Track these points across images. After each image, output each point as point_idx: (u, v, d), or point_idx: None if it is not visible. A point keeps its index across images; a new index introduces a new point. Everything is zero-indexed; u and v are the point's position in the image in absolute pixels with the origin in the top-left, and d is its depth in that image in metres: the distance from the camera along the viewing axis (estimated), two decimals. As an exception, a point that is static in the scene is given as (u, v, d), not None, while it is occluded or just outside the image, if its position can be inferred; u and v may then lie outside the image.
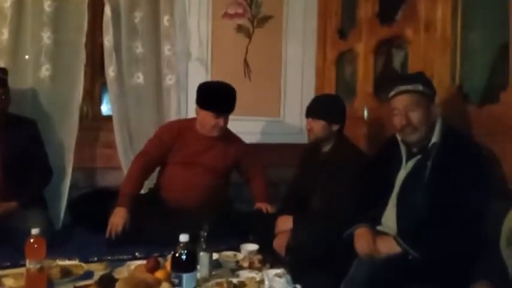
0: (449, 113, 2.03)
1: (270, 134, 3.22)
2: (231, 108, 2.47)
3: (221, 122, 2.43)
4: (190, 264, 1.46)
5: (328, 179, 2.16)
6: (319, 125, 2.24)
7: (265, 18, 3.20)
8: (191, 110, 3.03)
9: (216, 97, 2.43)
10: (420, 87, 1.77)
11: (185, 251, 1.46)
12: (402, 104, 1.78)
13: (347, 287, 1.70)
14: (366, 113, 2.74)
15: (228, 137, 2.56)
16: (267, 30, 3.22)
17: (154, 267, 1.73)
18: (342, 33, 3.10)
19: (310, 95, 3.26)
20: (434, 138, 1.74)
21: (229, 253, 2.04)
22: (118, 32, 2.84)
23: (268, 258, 1.98)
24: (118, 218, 2.24)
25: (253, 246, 2.07)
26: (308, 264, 1.88)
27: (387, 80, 2.63)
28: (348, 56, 3.08)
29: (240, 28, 3.17)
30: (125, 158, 2.85)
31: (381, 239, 1.76)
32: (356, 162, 2.14)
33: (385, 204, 1.85)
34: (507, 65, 1.84)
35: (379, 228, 1.85)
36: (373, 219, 1.86)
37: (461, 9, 2.07)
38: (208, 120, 2.43)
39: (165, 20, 2.93)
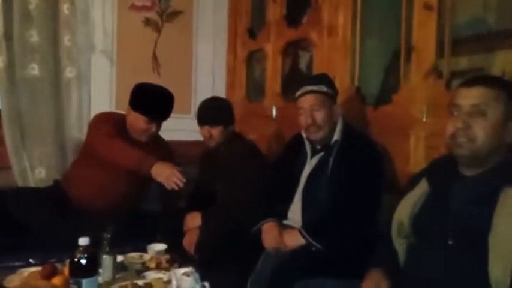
0: (349, 113, 2.16)
1: (181, 131, 3.15)
2: (166, 115, 2.34)
3: (153, 127, 2.29)
4: (90, 269, 1.38)
5: (227, 176, 2.19)
6: (218, 131, 2.23)
7: (174, 13, 3.14)
8: (94, 105, 2.87)
9: (152, 101, 2.28)
10: (324, 88, 1.87)
11: (85, 255, 1.37)
12: (308, 104, 1.86)
13: (254, 281, 1.74)
14: (274, 111, 2.82)
15: (156, 142, 2.41)
16: (177, 25, 3.16)
17: (51, 274, 1.60)
18: (252, 33, 3.16)
19: (221, 93, 3.28)
20: (336, 136, 1.86)
21: (135, 254, 1.97)
22: (9, 19, 2.59)
23: (177, 257, 1.95)
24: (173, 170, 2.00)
25: (160, 246, 2.02)
26: (217, 261, 1.90)
27: (294, 80, 2.73)
28: (258, 55, 3.14)
29: (148, 21, 3.07)
30: (16, 157, 2.61)
31: (287, 232, 1.82)
32: (251, 156, 2.20)
33: (291, 199, 1.93)
34: (399, 69, 2.02)
35: (285, 222, 1.92)
36: (280, 214, 1.93)
37: (360, 17, 2.21)
38: (139, 124, 2.27)
39: (65, 7, 2.73)
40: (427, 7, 1.80)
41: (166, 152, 2.46)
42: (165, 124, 3.03)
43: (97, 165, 2.23)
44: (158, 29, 3.11)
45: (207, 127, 2.24)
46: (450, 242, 1.23)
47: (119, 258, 1.82)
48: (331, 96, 1.89)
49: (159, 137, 2.47)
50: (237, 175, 2.13)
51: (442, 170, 1.35)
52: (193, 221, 2.18)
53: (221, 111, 2.27)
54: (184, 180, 1.98)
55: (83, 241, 1.40)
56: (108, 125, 2.25)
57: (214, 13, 3.28)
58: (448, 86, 1.75)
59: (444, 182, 1.32)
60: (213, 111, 2.25)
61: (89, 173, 2.27)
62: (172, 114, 3.13)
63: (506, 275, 1.11)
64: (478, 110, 1.22)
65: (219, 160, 2.29)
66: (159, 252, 1.97)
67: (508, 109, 1.21)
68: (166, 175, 2.00)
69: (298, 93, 1.91)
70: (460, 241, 1.22)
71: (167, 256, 1.92)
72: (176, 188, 1.98)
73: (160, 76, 3.11)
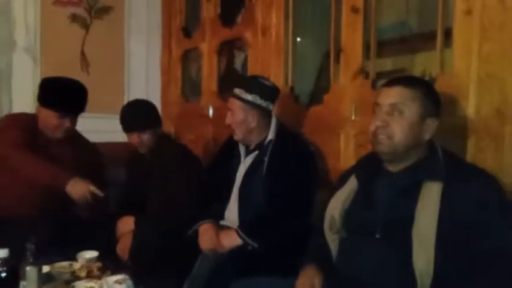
0: (283, 112, 2.20)
1: (113, 132, 3.03)
2: (80, 108, 2.20)
3: (66, 123, 2.15)
4: (11, 282, 1.29)
5: (157, 179, 2.15)
6: (145, 137, 2.17)
7: (104, 9, 3.01)
8: (17, 106, 2.69)
9: (61, 95, 2.13)
10: (248, 97, 1.85)
11: (4, 268, 1.28)
12: (229, 105, 1.89)
13: (190, 283, 1.72)
14: (211, 111, 2.80)
15: (81, 144, 2.29)
16: (107, 22, 3.03)
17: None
18: (187, 32, 3.11)
19: (156, 92, 3.21)
20: (270, 136, 1.87)
21: (64, 264, 1.86)
22: None
23: (109, 264, 1.87)
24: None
25: (91, 254, 1.92)
26: (152, 266, 1.85)
27: (230, 79, 2.73)
28: (193, 54, 3.11)
29: (74, 17, 2.92)
30: None
31: (223, 233, 1.81)
32: (181, 158, 2.17)
33: (227, 199, 1.93)
34: (329, 71, 2.09)
35: (222, 222, 1.91)
36: (217, 215, 1.92)
37: (292, 17, 2.25)
38: (51, 121, 2.12)
39: (-18, 1, 2.53)
40: (354, 10, 1.87)
41: (92, 154, 2.36)
42: (95, 125, 2.92)
43: (12, 172, 2.06)
44: (86, 26, 2.97)
45: (134, 134, 2.17)
46: (377, 236, 1.29)
47: (46, 268, 1.71)
48: (258, 103, 1.86)
49: (81, 138, 2.36)
50: (168, 178, 2.09)
51: (369, 167, 1.41)
52: (126, 226, 2.11)
53: (144, 117, 2.20)
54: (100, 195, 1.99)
55: (2, 253, 1.30)
56: (17, 131, 2.09)
57: (147, 10, 3.18)
58: (374, 86, 1.83)
59: (370, 178, 1.39)
60: (136, 118, 2.18)
61: (4, 180, 2.09)
62: (103, 115, 3.03)
63: (429, 265, 1.18)
64: (396, 109, 1.29)
65: (148, 164, 2.24)
66: (89, 260, 1.88)
67: (424, 107, 1.29)
68: (79, 194, 1.99)
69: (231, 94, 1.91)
70: (387, 234, 1.28)
71: (98, 264, 1.84)
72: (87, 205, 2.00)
73: (90, 75, 2.97)
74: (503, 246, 1.16)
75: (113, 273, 1.75)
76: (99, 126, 2.96)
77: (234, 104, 1.88)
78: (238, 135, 1.90)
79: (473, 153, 1.44)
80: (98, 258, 1.91)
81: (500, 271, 1.15)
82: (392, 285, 1.25)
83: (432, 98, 1.31)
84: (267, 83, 1.91)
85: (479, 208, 1.18)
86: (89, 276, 1.75)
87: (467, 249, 1.18)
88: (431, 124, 1.30)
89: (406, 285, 1.21)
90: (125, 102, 3.11)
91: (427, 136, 1.30)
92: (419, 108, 1.28)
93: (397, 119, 1.29)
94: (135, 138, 2.18)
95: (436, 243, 1.18)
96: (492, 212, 1.19)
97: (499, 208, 1.20)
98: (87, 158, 2.28)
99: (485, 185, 1.22)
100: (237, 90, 1.88)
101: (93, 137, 2.64)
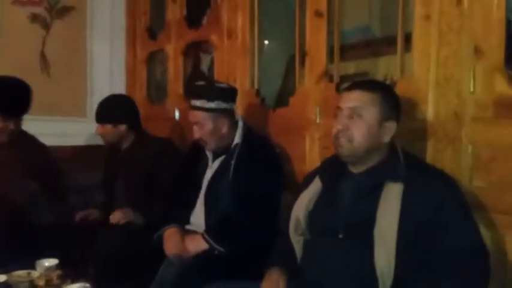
0: (250, 115, 2.20)
1: (75, 135, 2.96)
2: (23, 110, 2.13)
3: (10, 125, 2.07)
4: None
5: (128, 177, 2.12)
6: (106, 129, 2.21)
7: (65, 9, 2.92)
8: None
9: (2, 96, 2.06)
10: (208, 104, 1.80)
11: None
12: (193, 119, 1.84)
13: (155, 289, 1.69)
14: (177, 113, 2.77)
15: (25, 143, 2.21)
16: (69, 22, 2.95)
17: None
18: (152, 33, 3.07)
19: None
20: (237, 140, 1.86)
21: (22, 272, 1.78)
22: None
23: (70, 272, 1.81)
24: None
25: (51, 262, 1.85)
26: (115, 272, 1.81)
27: (196, 82, 2.70)
28: (159, 56, 3.06)
29: (34, 17, 2.82)
30: None
31: (189, 237, 1.79)
32: (158, 152, 2.17)
33: (193, 204, 1.90)
34: (295, 73, 2.10)
35: (188, 227, 1.89)
36: (182, 219, 1.89)
37: (257, 20, 2.26)
38: None
39: None
40: (318, 14, 1.89)
41: (42, 157, 2.29)
42: (56, 128, 2.83)
43: None
44: (47, 26, 2.87)
45: (98, 125, 2.24)
46: (340, 236, 1.31)
47: (2, 277, 1.64)
48: (217, 110, 1.82)
49: (31, 141, 2.29)
50: (141, 177, 2.09)
51: (332, 169, 1.43)
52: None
53: (109, 109, 2.22)
54: None
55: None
56: None
57: (111, 11, 3.11)
58: (338, 89, 1.86)
59: (334, 180, 1.40)
60: (101, 109, 2.24)
61: None
62: (65, 118, 2.95)
63: (390, 266, 1.21)
64: (355, 113, 1.32)
65: (121, 158, 2.24)
66: (49, 268, 1.81)
67: (383, 111, 1.32)
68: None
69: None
70: (349, 235, 1.30)
71: (58, 272, 1.78)
72: None
73: (51, 76, 2.89)
74: (462, 246, 1.19)
75: (74, 281, 1.70)
76: (61, 130, 2.88)
77: (199, 116, 1.81)
78: (210, 146, 1.86)
79: (433, 154, 1.48)
80: (58, 266, 1.84)
81: (459, 270, 1.18)
82: (354, 286, 1.26)
83: (391, 101, 1.34)
84: (222, 85, 1.89)
85: (438, 208, 1.21)
86: (48, 285, 1.69)
87: (427, 249, 1.21)
88: (390, 127, 1.33)
89: (367, 285, 1.23)
90: (88, 104, 3.05)
91: (386, 139, 1.33)
92: (378, 112, 1.31)
93: (356, 122, 1.31)
94: (97, 129, 2.22)
95: (397, 244, 1.20)
96: (450, 212, 1.22)
97: (457, 208, 1.24)
98: (37, 161, 2.21)
99: (444, 186, 1.26)
100: (196, 102, 1.81)
101: (53, 140, 2.56)
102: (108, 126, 2.21)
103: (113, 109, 2.24)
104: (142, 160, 2.16)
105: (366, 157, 1.34)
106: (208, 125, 1.82)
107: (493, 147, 1.34)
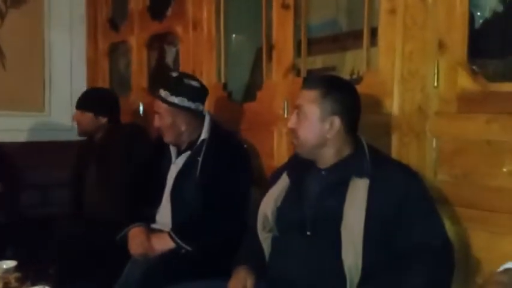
0: (217, 110, 2.16)
1: (33, 130, 2.84)
2: None
3: None
4: None
5: (101, 163, 2.08)
6: (86, 118, 2.21)
7: (21, -2, 2.79)
8: None
9: None
10: (175, 100, 1.76)
11: None
12: (155, 108, 1.80)
13: (120, 288, 1.65)
14: (141, 108, 2.69)
15: None
16: (25, 12, 2.82)
17: None
18: (114, 24, 2.96)
19: (81, 88, 2.99)
20: (203, 135, 1.81)
21: (-23, 277, 1.69)
22: None
23: (30, 274, 1.73)
24: None
25: (9, 263, 1.76)
26: (78, 272, 1.78)
27: (161, 75, 2.63)
28: (122, 48, 2.97)
29: (-13, 7, 2.67)
30: None
31: (155, 236, 1.75)
32: (127, 146, 2.15)
33: (159, 202, 1.85)
34: (262, 67, 2.07)
35: (154, 226, 1.84)
36: (148, 218, 1.84)
37: (223, 12, 2.21)
38: None
39: None
40: (284, 6, 1.87)
41: None
42: (12, 123, 2.70)
43: None
44: (1, 16, 2.74)
45: (78, 111, 2.25)
46: (308, 233, 1.30)
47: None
48: (179, 106, 1.77)
49: None
50: (113, 171, 2.08)
51: (300, 164, 1.42)
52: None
53: (93, 99, 2.25)
54: None
55: None
56: None
57: (70, 1, 2.99)
58: (305, 83, 1.84)
59: (302, 175, 1.39)
60: (86, 97, 2.27)
61: None
62: (22, 113, 2.81)
63: (358, 261, 1.21)
64: (301, 111, 1.33)
65: (94, 151, 2.22)
66: (6, 271, 1.72)
67: (322, 108, 1.31)
68: None
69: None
70: (317, 231, 1.29)
71: (16, 274, 1.69)
72: None
73: (6, 69, 2.76)
74: (426, 240, 1.20)
75: (33, 283, 1.62)
76: (17, 125, 2.76)
77: (161, 107, 1.78)
78: (168, 138, 1.82)
79: (398, 149, 1.49)
80: (17, 268, 1.76)
81: (424, 265, 1.19)
82: (322, 282, 1.26)
83: (333, 97, 1.31)
84: (193, 83, 1.82)
85: (402, 203, 1.22)
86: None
87: (393, 244, 1.22)
88: (334, 123, 1.31)
89: (335, 281, 1.23)
90: (47, 98, 2.92)
91: (331, 135, 1.32)
92: (318, 109, 1.31)
93: (301, 121, 1.33)
94: (76, 115, 2.24)
95: (364, 239, 1.20)
96: (414, 206, 1.23)
97: (421, 202, 1.25)
98: None
99: (408, 180, 1.27)
100: (162, 92, 1.77)
101: (9, 136, 2.46)
102: (89, 115, 2.20)
103: (99, 99, 2.26)
104: (116, 142, 2.17)
105: (319, 154, 1.34)
106: (167, 119, 1.78)
107: (456, 141, 1.36)
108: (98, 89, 2.50)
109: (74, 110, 2.28)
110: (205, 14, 2.25)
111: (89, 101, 2.24)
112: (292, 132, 1.36)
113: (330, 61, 2.12)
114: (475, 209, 1.30)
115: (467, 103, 1.33)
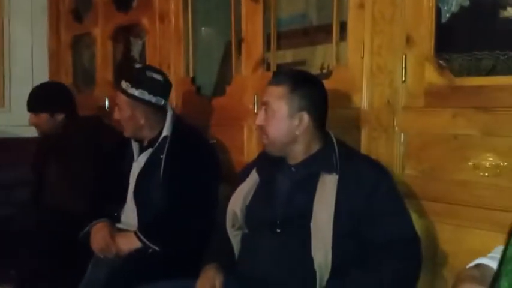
0: (185, 105, 2.11)
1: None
2: None
3: None
4: None
5: (61, 159, 2.05)
6: (42, 119, 2.10)
7: (-24, -13, 2.66)
8: None
9: None
10: (135, 92, 1.71)
11: None
12: (116, 100, 1.77)
13: (84, 288, 1.60)
14: (106, 102, 2.60)
15: None
16: (-19, 2, 2.68)
17: None
18: (77, 15, 2.86)
19: (43, 81, 2.90)
20: (165, 132, 1.75)
21: None
22: None
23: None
24: None
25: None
26: (39, 274, 1.73)
27: (127, 68, 2.55)
28: (86, 40, 2.88)
29: None
30: None
31: (121, 236, 1.71)
32: (86, 139, 2.09)
33: (123, 201, 1.81)
34: (231, 61, 2.03)
35: (119, 226, 1.79)
36: (111, 215, 1.79)
37: (191, 4, 2.16)
38: None
39: None
40: (253, -1, 1.83)
41: None
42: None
43: None
44: (-45, 5, 2.59)
45: (32, 114, 2.13)
46: (278, 230, 1.28)
47: None
48: (138, 99, 1.72)
49: None
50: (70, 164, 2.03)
51: (270, 160, 1.39)
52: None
53: (44, 98, 2.13)
54: None
55: None
56: None
57: (31, -10, 2.88)
58: (274, 78, 1.81)
59: (270, 172, 1.37)
60: (35, 98, 2.14)
61: None
62: (-22, 109, 2.68)
63: (327, 257, 1.20)
64: (268, 108, 1.31)
65: (53, 146, 2.15)
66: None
67: (290, 104, 1.29)
68: None
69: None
70: (286, 228, 1.28)
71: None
72: None
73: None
74: (394, 235, 1.21)
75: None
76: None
77: (121, 99, 1.74)
78: (127, 132, 1.78)
79: (367, 143, 1.49)
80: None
81: (393, 258, 1.19)
82: (292, 279, 1.25)
83: (300, 92, 1.30)
84: (156, 76, 1.76)
85: (370, 198, 1.22)
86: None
87: (362, 239, 1.22)
88: (303, 119, 1.30)
89: (305, 278, 1.22)
90: (6, 93, 2.80)
91: (300, 131, 1.31)
92: (286, 105, 1.29)
93: (269, 118, 1.31)
94: (31, 119, 2.13)
95: (333, 236, 1.20)
96: (382, 200, 1.24)
97: (389, 197, 1.26)
98: None
99: (376, 175, 1.27)
100: (123, 84, 1.73)
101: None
102: (44, 116, 2.10)
103: (49, 97, 2.14)
104: (74, 137, 2.09)
105: (289, 150, 1.33)
106: (126, 111, 1.73)
107: (424, 135, 1.37)
108: (45, 85, 2.30)
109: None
110: (172, 6, 2.19)
111: (40, 101, 2.12)
112: (261, 129, 1.34)
113: (300, 55, 2.09)
114: (441, 203, 1.31)
115: (434, 98, 1.34)
